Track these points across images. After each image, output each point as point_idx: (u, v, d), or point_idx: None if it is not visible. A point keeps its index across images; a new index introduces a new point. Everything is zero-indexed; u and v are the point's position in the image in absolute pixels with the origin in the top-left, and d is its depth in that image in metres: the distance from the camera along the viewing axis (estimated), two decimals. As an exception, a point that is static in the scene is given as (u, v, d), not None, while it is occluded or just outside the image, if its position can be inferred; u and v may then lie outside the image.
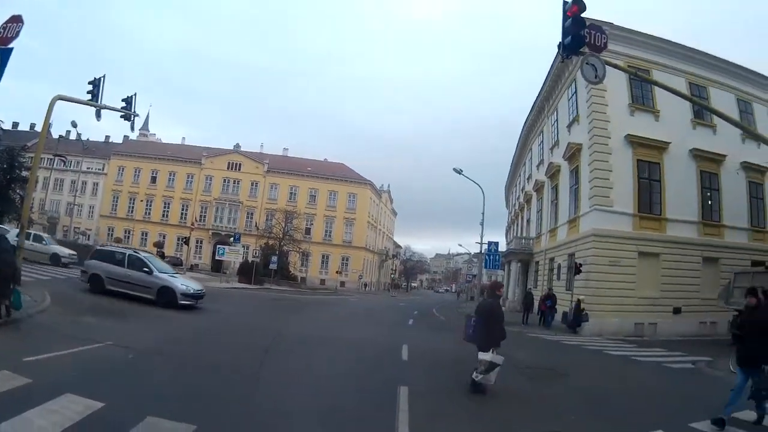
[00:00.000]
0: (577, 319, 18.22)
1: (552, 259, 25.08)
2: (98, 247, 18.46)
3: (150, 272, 15.00)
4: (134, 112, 16.06)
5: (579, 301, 18.32)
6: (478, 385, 6.82)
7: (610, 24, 18.50)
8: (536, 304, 22.37)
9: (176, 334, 10.10)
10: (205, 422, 4.58)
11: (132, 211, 62.41)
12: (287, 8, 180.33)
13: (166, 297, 14.46)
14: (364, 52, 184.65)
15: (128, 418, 4.42)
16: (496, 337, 7.00)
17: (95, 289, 14.89)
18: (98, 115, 15.57)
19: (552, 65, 25.03)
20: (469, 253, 74.10)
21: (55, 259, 22.79)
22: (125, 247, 18.30)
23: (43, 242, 23.76)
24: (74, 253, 24.19)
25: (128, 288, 14.74)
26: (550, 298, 21.03)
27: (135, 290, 14.76)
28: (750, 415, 6.08)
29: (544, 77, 26.64)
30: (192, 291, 15.36)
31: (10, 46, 8.00)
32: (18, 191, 35.28)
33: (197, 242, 56.63)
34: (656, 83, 13.60)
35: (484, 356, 6.80)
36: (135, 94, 16.07)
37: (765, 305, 6.24)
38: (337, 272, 57.59)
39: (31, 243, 20.60)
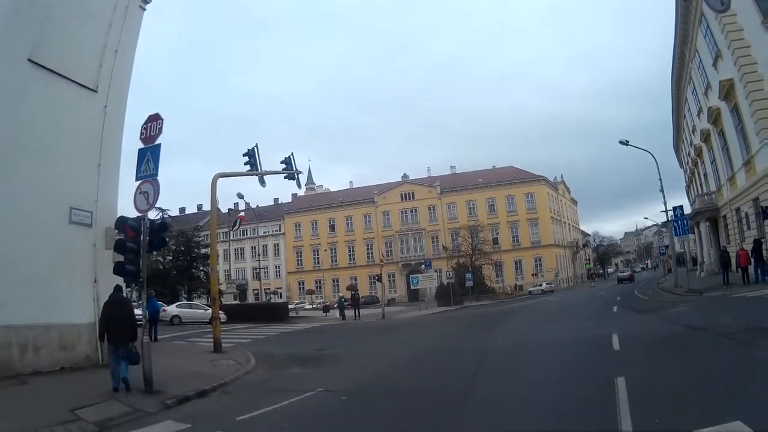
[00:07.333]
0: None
1: (738, 209, 22.58)
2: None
3: (200, 308, 27.01)
4: (296, 170, 16.15)
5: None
6: None
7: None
8: (734, 261, 20.38)
9: (382, 369, 9.97)
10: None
11: (318, 262, 65.16)
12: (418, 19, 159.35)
13: None
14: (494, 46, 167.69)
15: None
16: None
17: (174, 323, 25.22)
18: (262, 182, 15.78)
19: (676, 6, 23.38)
20: (657, 224, 66.35)
21: None
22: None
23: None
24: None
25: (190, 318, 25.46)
26: (755, 250, 17.94)
27: (194, 318, 25.13)
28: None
29: (674, 22, 24.80)
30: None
31: (156, 143, 8.32)
32: (201, 268, 38.58)
33: (389, 277, 58.35)
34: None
35: None
36: (292, 154, 16.16)
37: None
38: (532, 275, 56.54)
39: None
